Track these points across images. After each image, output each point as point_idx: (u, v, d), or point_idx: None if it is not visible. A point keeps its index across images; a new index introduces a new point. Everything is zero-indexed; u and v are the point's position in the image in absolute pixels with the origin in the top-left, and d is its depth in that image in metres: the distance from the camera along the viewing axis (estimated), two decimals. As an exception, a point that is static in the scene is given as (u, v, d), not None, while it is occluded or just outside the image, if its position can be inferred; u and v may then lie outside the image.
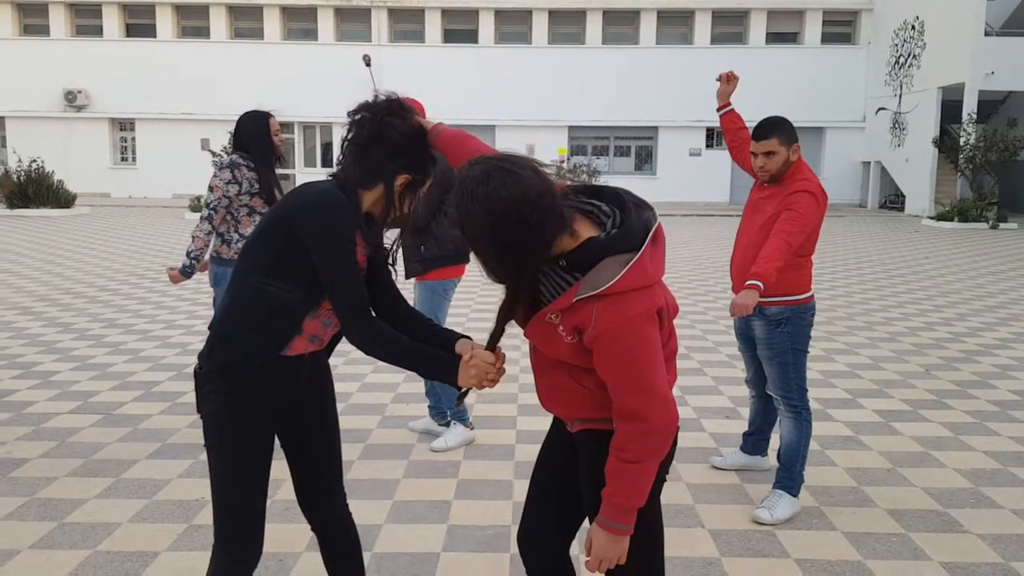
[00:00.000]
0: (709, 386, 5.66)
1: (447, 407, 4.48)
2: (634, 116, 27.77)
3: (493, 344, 1.99)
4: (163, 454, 4.30)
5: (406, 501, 3.75)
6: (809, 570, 3.12)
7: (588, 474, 1.94)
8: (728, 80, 4.07)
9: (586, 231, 1.81)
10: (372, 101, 2.06)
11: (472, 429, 4.52)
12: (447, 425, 4.48)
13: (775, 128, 3.51)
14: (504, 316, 1.94)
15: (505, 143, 26.99)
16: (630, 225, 1.80)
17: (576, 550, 2.71)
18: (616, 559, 1.85)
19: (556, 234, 1.75)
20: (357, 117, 2.05)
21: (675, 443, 1.90)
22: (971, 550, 3.29)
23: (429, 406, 4.58)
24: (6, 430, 4.62)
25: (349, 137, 2.07)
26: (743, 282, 3.37)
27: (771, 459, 4.02)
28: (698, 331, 7.48)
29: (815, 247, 3.59)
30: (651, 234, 1.81)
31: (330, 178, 2.09)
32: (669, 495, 3.75)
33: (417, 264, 4.09)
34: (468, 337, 2.12)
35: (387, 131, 2.03)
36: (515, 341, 1.80)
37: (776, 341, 3.57)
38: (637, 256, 1.76)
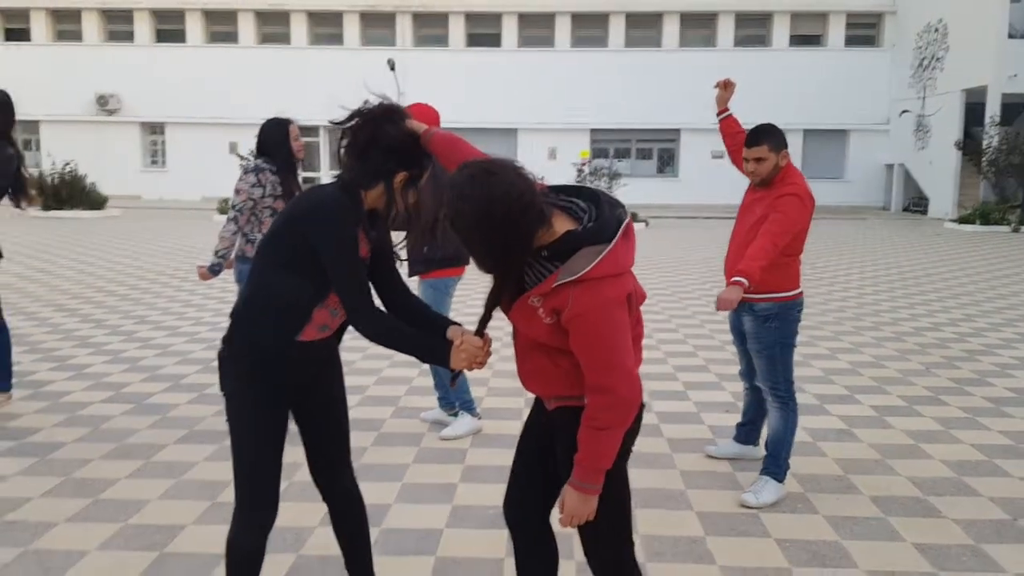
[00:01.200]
0: (712, 382, 5.86)
1: (455, 399, 4.72)
2: (657, 119, 27.88)
3: (481, 329, 2.23)
4: (190, 439, 4.58)
5: (415, 484, 4.00)
6: (788, 549, 3.32)
7: (564, 446, 2.17)
8: (726, 87, 4.28)
9: (565, 225, 2.05)
10: (365, 107, 2.28)
11: (479, 419, 4.76)
12: (456, 415, 4.73)
13: (765, 135, 3.71)
14: (491, 303, 2.18)
15: (527, 146, 27.38)
16: (604, 219, 2.04)
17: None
18: (586, 516, 2.09)
19: (537, 228, 1.99)
20: (351, 123, 2.28)
21: (640, 417, 2.13)
22: (945, 533, 3.47)
23: (439, 397, 4.83)
24: (44, 417, 4.93)
25: (346, 143, 2.30)
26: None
27: (763, 448, 4.20)
28: (706, 330, 7.67)
29: (803, 247, 3.79)
30: (623, 228, 2.04)
31: (335, 180, 2.33)
32: (662, 481, 3.99)
33: (420, 264, 4.38)
34: (459, 324, 2.36)
35: (381, 134, 2.25)
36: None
37: (764, 336, 3.77)
38: (610, 247, 1.99)
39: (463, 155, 2.27)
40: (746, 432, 4.30)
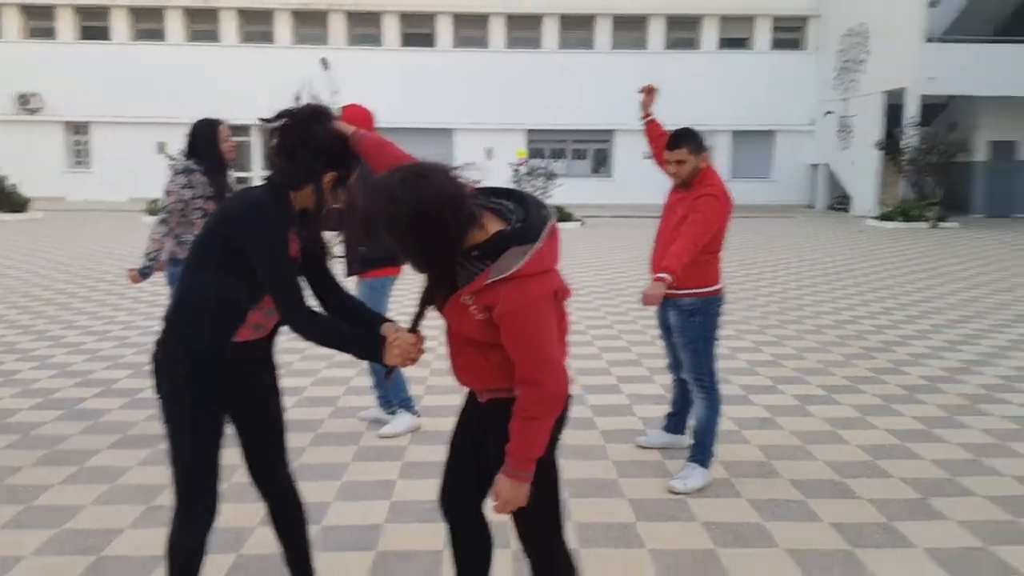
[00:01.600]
0: (644, 376, 6.04)
1: (394, 397, 4.78)
2: (591, 120, 28.22)
3: (415, 326, 2.31)
4: (123, 444, 4.54)
5: (354, 481, 4.05)
6: (714, 531, 3.50)
7: (496, 437, 2.27)
8: (649, 93, 4.44)
9: (494, 226, 2.14)
10: (294, 108, 2.33)
11: (418, 417, 4.83)
12: (394, 413, 4.79)
13: (685, 139, 3.89)
14: (425, 301, 2.26)
15: (463, 147, 27.42)
16: (531, 220, 2.15)
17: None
18: (519, 503, 2.19)
19: (468, 230, 2.09)
20: (281, 124, 2.33)
21: (567, 407, 2.24)
22: (860, 513, 3.70)
23: (378, 396, 4.88)
24: (-30, 425, 4.82)
25: (275, 144, 2.35)
26: (658, 276, 3.74)
27: (691, 437, 4.38)
28: (638, 326, 7.87)
29: (722, 245, 3.97)
30: (548, 228, 2.15)
31: (265, 181, 2.38)
32: (596, 471, 4.14)
33: (357, 264, 4.45)
34: (393, 321, 2.44)
35: (310, 135, 2.31)
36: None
37: (688, 329, 3.95)
38: (537, 246, 2.10)
39: (392, 158, 2.35)
40: (674, 422, 4.48)
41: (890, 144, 23.22)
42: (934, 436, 4.75)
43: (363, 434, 4.76)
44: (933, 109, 23.88)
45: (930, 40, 22.41)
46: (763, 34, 28.91)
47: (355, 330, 2.38)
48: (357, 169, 2.43)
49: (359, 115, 4.22)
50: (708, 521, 3.59)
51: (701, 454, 3.97)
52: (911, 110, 22.21)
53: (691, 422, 4.16)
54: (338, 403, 5.36)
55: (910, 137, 21.97)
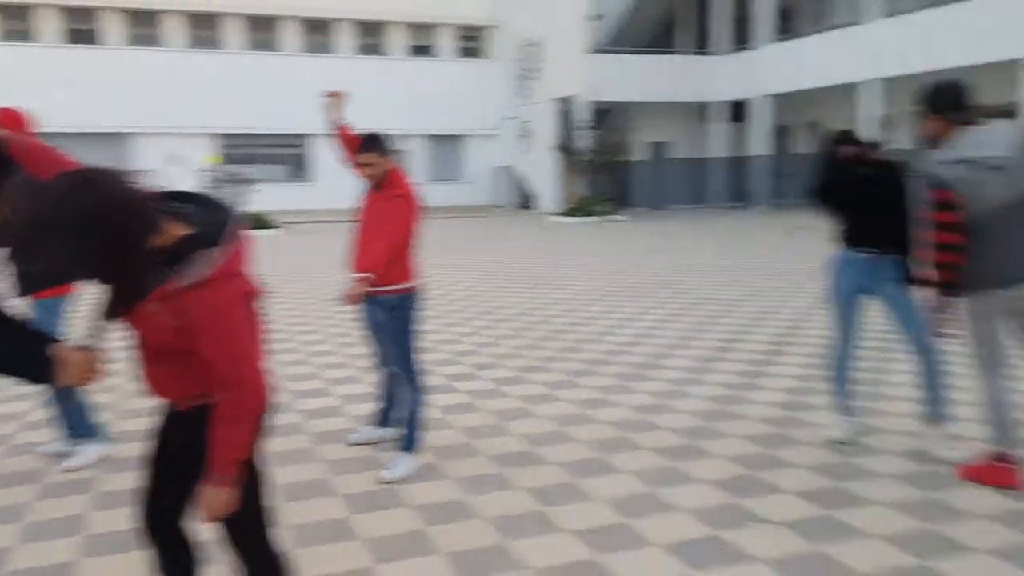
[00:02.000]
0: (352, 376, 6.15)
1: (78, 426, 4.42)
2: (284, 124, 27.55)
3: (93, 342, 2.20)
4: None
5: (39, 521, 3.72)
6: (423, 511, 3.72)
7: (195, 443, 2.24)
8: (335, 98, 4.56)
9: (178, 230, 2.11)
10: None
11: (108, 444, 4.51)
12: (80, 444, 4.43)
13: (373, 143, 4.08)
14: (106, 314, 2.17)
15: (145, 153, 25.45)
16: (217, 223, 2.16)
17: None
18: (227, 509, 2.20)
19: (147, 235, 2.02)
20: None
21: (267, 407, 2.29)
22: (549, 476, 4.13)
23: (67, 426, 4.47)
24: None
25: None
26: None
27: (400, 428, 4.58)
28: (344, 328, 7.94)
29: (414, 242, 4.20)
30: (235, 230, 2.18)
31: None
32: (309, 473, 4.19)
33: (26, 282, 4.06)
34: (65, 341, 2.31)
35: None
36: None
37: (391, 325, 4.14)
38: (225, 248, 2.12)
39: (57, 164, 2.22)
40: (383, 416, 4.64)
41: (567, 146, 25.43)
42: (609, 402, 5.40)
43: (46, 470, 4.35)
44: (602, 114, 26.59)
45: (597, 51, 24.88)
46: (447, 42, 30.22)
47: (20, 352, 2.20)
48: (14, 178, 2.26)
49: (11, 118, 3.90)
50: (418, 504, 3.80)
51: (408, 442, 4.18)
52: (581, 115, 24.51)
53: (399, 414, 4.35)
54: (13, 440, 4.84)
55: (582, 140, 24.25)
